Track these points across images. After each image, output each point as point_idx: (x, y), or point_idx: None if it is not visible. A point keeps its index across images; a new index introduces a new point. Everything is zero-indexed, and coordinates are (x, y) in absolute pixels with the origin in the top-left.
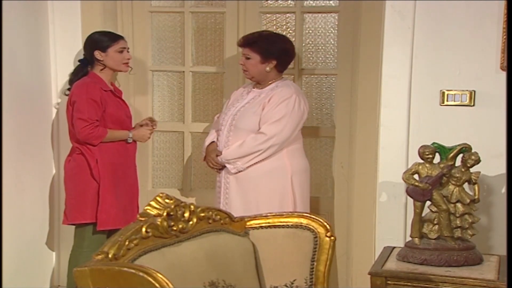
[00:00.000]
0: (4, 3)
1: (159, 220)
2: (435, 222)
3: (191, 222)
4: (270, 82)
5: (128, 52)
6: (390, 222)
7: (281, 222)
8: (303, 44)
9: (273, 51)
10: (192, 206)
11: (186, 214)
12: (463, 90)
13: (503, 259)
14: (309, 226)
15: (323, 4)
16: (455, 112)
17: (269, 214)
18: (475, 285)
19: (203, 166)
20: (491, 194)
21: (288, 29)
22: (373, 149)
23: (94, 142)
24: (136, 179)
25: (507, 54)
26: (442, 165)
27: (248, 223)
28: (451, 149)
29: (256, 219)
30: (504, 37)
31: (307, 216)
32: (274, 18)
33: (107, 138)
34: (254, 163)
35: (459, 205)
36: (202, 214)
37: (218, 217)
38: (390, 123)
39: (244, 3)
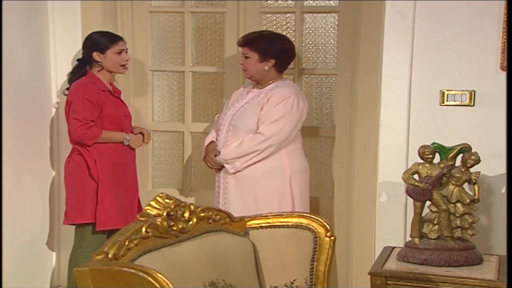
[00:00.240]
0: (4, 3)
1: (159, 220)
2: (435, 222)
3: (191, 222)
4: (270, 82)
5: (126, 53)
6: (390, 222)
7: (281, 222)
8: (303, 44)
9: (271, 50)
10: (192, 206)
11: (186, 214)
12: (463, 90)
13: (503, 259)
14: (309, 226)
15: (323, 4)
16: (455, 112)
17: (269, 214)
18: (475, 285)
19: (203, 166)
20: (491, 194)
21: (288, 29)
22: (373, 149)
23: (88, 143)
24: (136, 179)
25: (507, 54)
26: (442, 165)
27: (248, 223)
28: (451, 149)
29: (256, 219)
30: (504, 37)
31: (307, 216)
32: (274, 18)
33: (103, 139)
34: (253, 163)
35: (459, 205)
36: (202, 214)
37: (218, 217)
38: (390, 123)
39: (244, 3)
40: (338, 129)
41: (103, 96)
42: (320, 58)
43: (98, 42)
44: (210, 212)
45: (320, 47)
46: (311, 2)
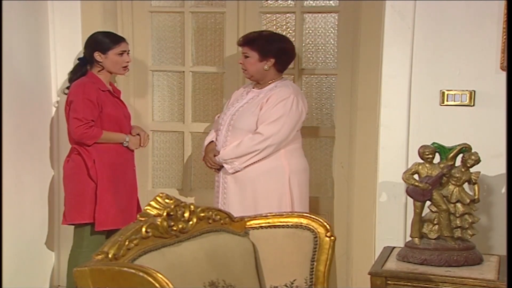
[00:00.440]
0: (4, 3)
1: (159, 220)
2: (435, 222)
3: (191, 222)
4: (269, 82)
5: (128, 54)
6: (390, 222)
7: (281, 222)
8: (303, 44)
9: (271, 49)
10: (192, 206)
11: (186, 214)
12: (463, 90)
13: (503, 259)
14: (309, 226)
15: (323, 4)
16: (455, 112)
17: (269, 214)
18: (475, 285)
19: (203, 166)
20: (491, 194)
21: (288, 29)
22: (373, 149)
23: (88, 142)
24: (135, 180)
25: (507, 54)
26: (442, 165)
27: (248, 223)
28: (451, 149)
29: (256, 219)
30: (504, 37)
31: (307, 216)
32: (274, 18)
33: (102, 139)
34: (252, 163)
35: (459, 205)
36: (202, 214)
37: (218, 217)
38: (390, 123)
39: (244, 3)
40: (338, 129)
41: (103, 96)
42: (320, 58)
43: (100, 42)
44: (210, 212)
45: (320, 47)
46: (311, 2)
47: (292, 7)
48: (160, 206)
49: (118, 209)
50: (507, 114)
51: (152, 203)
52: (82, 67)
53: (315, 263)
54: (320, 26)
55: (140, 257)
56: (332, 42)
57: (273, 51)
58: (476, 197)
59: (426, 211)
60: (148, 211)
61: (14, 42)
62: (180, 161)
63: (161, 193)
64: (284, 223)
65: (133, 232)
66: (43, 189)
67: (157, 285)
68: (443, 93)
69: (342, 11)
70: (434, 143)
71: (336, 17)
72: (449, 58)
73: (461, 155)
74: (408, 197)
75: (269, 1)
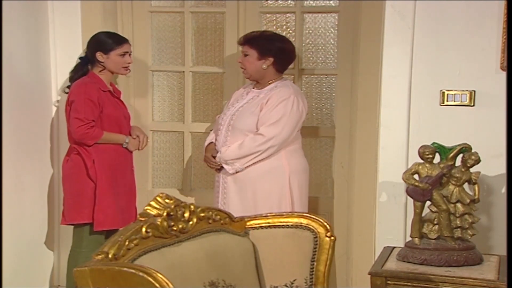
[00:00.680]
0: (4, 3)
1: (159, 220)
2: (435, 222)
3: (191, 222)
4: (269, 82)
5: (130, 56)
6: (390, 222)
7: (281, 222)
8: (303, 44)
9: (270, 48)
10: (192, 206)
11: (186, 214)
12: (463, 90)
13: (503, 259)
14: (309, 226)
15: (323, 4)
16: (455, 112)
17: (269, 214)
18: (475, 285)
19: (203, 166)
20: (491, 194)
21: (288, 29)
22: (373, 149)
23: (89, 143)
24: (133, 180)
25: (507, 54)
26: (442, 165)
27: (248, 223)
28: (451, 149)
29: (256, 219)
30: (504, 37)
31: (307, 216)
32: (274, 18)
33: (103, 140)
34: (252, 164)
35: (459, 205)
36: (202, 214)
37: (218, 217)
38: (390, 123)
39: (244, 3)
40: (338, 129)
41: (103, 96)
42: (320, 58)
43: (103, 43)
44: (210, 212)
45: (320, 47)
46: (311, 2)
47: (292, 7)
48: (160, 206)
49: (117, 209)
50: (507, 114)
51: (152, 203)
52: (83, 67)
53: (315, 263)
54: (320, 26)
55: (140, 257)
56: (332, 42)
57: (273, 50)
58: (476, 197)
59: (426, 211)
60: (148, 211)
61: (14, 42)
62: (180, 161)
63: (161, 193)
64: (284, 223)
65: (133, 232)
66: (43, 189)
67: (157, 285)
68: (443, 93)
69: (342, 11)
70: (434, 143)
71: (336, 17)
72: (449, 58)
73: (461, 155)
74: (408, 197)
75: (269, 1)
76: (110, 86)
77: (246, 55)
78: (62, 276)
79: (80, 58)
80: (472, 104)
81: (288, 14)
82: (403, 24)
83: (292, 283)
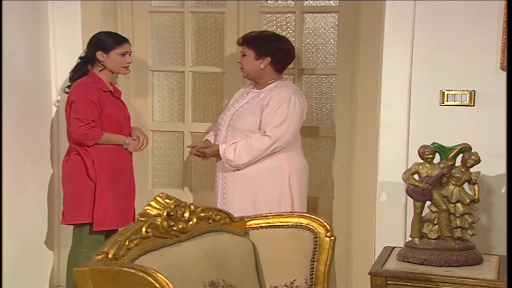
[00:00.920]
0: (4, 3)
1: (159, 220)
2: (435, 222)
3: (191, 222)
4: (269, 82)
5: (130, 56)
6: (390, 222)
7: (281, 222)
8: (303, 44)
9: (268, 48)
10: (192, 206)
11: (186, 214)
12: (463, 90)
13: (503, 259)
14: (309, 226)
15: (323, 4)
16: (455, 112)
17: (269, 214)
18: (475, 285)
19: (203, 166)
20: (491, 194)
21: (288, 29)
22: (373, 149)
23: (89, 143)
24: (133, 180)
25: (507, 54)
26: (442, 165)
27: (248, 223)
28: (451, 149)
29: (256, 219)
30: (504, 37)
31: (307, 216)
32: (274, 18)
33: (103, 140)
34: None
35: (459, 205)
36: (202, 214)
37: (218, 217)
38: (390, 123)
39: (244, 3)
40: (338, 129)
41: (103, 96)
42: (320, 58)
43: (103, 42)
44: (210, 212)
45: (320, 47)
46: (311, 2)
47: (292, 7)
48: (160, 206)
49: (117, 209)
50: (507, 114)
51: (152, 203)
52: (84, 66)
53: (315, 263)
54: (320, 26)
55: (140, 257)
56: (332, 42)
57: (270, 50)
58: (476, 197)
59: (426, 211)
60: (148, 211)
61: (14, 42)
62: (180, 161)
63: (161, 193)
64: (284, 223)
65: (133, 232)
66: (43, 189)
67: (157, 285)
68: (443, 93)
69: (342, 11)
70: (434, 143)
71: (336, 17)
72: (449, 58)
73: (461, 155)
74: (408, 197)
75: (269, 1)
76: (110, 86)
77: (244, 55)
78: (62, 276)
79: (80, 58)
80: (472, 104)
81: (288, 14)
82: (403, 24)
83: (292, 283)
